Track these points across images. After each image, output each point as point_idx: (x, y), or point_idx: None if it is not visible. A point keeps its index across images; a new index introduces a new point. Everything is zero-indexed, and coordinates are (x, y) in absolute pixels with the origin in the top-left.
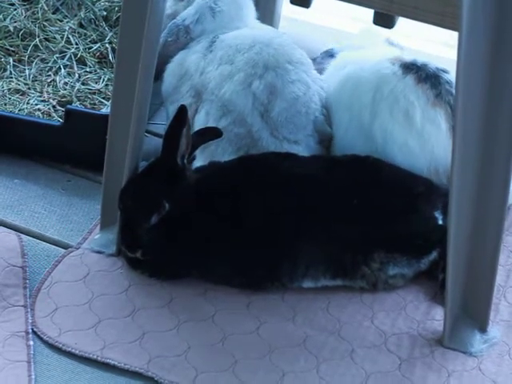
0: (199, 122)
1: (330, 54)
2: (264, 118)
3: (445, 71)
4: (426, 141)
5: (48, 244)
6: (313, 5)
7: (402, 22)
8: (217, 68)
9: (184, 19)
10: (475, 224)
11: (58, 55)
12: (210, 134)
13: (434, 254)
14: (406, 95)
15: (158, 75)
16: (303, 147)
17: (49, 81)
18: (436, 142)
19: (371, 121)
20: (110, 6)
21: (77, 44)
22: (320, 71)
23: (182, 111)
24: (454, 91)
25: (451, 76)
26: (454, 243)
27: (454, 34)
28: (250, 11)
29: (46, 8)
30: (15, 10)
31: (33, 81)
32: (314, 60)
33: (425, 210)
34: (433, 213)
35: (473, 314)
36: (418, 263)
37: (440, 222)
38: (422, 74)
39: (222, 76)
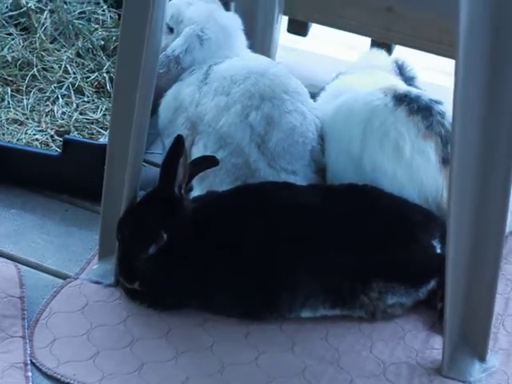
0: (197, 154)
1: None
2: (261, 149)
3: (438, 102)
4: (415, 172)
5: (46, 274)
6: (310, 33)
7: (399, 50)
8: (212, 99)
9: (173, 50)
10: (473, 253)
11: (55, 85)
12: (206, 162)
13: (432, 283)
14: (397, 128)
15: (153, 109)
16: (301, 177)
17: (47, 111)
18: (425, 173)
19: (361, 152)
20: (107, 35)
21: (74, 74)
22: None
23: (179, 141)
24: (445, 122)
25: (444, 107)
26: (453, 272)
27: (452, 62)
28: (240, 39)
29: (43, 38)
30: (13, 39)
31: (31, 111)
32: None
33: (423, 238)
34: (431, 242)
35: (471, 342)
36: (416, 292)
37: (438, 251)
38: (414, 105)
39: (218, 108)
